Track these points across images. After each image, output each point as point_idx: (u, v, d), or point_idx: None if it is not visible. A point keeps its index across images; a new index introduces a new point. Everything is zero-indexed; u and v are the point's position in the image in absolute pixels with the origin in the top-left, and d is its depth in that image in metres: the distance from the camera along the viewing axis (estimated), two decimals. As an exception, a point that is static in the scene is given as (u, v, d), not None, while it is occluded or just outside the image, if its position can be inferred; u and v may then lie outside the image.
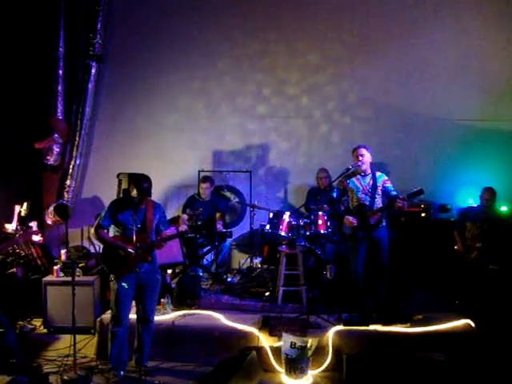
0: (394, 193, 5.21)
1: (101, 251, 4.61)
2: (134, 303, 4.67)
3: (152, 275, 4.56)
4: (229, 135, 7.36)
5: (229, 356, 4.63)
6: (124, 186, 6.41)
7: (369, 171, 5.30)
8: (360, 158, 5.21)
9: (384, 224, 5.28)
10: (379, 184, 5.25)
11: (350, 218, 5.20)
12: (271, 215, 6.25)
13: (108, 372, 4.50)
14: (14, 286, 5.62)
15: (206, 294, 5.86)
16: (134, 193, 4.44)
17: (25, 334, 5.37)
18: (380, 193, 5.25)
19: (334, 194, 5.44)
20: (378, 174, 5.31)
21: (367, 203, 5.22)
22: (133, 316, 4.68)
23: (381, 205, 5.22)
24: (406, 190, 5.05)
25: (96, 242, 6.72)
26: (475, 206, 6.09)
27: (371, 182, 5.25)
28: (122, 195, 6.16)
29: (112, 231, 4.53)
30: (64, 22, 6.88)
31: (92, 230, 4.57)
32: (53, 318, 5.43)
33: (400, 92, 7.07)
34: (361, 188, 5.27)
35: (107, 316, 4.93)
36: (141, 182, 4.45)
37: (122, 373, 4.47)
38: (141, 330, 4.58)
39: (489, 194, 5.83)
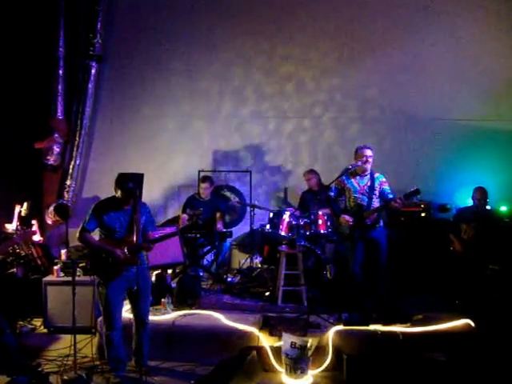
0: (390, 196, 5.20)
1: (88, 256, 4.46)
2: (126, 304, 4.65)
3: (142, 276, 4.42)
4: (229, 135, 7.36)
5: (229, 356, 4.62)
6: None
7: (368, 172, 5.30)
8: (365, 159, 5.20)
9: (381, 224, 5.29)
10: (377, 185, 5.25)
11: (346, 217, 5.22)
12: (271, 215, 6.25)
13: (108, 373, 4.48)
14: (14, 286, 5.62)
15: (206, 294, 5.87)
16: (119, 194, 4.34)
17: (25, 334, 5.36)
18: (377, 194, 5.25)
19: (332, 193, 5.45)
20: (376, 174, 5.31)
21: (364, 203, 5.22)
22: (129, 316, 4.67)
23: (378, 205, 5.22)
24: (405, 190, 5.05)
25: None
26: (469, 206, 6.08)
27: (369, 183, 5.25)
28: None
29: (97, 234, 4.41)
30: (64, 22, 6.90)
31: (76, 234, 4.35)
32: (53, 318, 5.43)
33: (400, 92, 7.08)
34: (358, 188, 5.27)
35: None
36: (125, 182, 4.32)
37: (121, 373, 4.46)
38: (138, 330, 4.54)
39: (480, 194, 5.83)
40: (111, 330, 4.40)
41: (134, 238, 4.33)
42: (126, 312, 4.79)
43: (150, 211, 4.67)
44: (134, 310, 4.53)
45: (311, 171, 6.68)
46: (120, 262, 4.29)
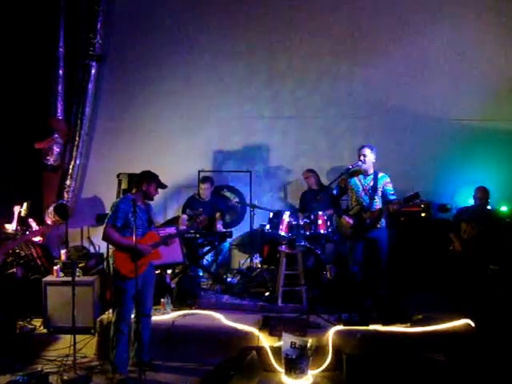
0: (392, 197, 5.21)
1: (113, 253, 4.54)
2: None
3: (151, 272, 4.66)
4: (229, 135, 7.35)
5: (229, 356, 4.63)
6: (124, 186, 6.42)
7: (371, 171, 5.30)
8: (362, 158, 5.22)
9: (383, 225, 5.30)
10: (380, 185, 5.25)
11: (347, 218, 5.24)
12: (271, 215, 6.25)
13: (112, 372, 4.46)
14: (14, 286, 5.61)
15: (206, 294, 5.87)
16: (135, 190, 4.55)
17: (25, 334, 5.36)
18: (380, 194, 5.26)
19: (334, 192, 5.46)
20: (380, 175, 5.31)
21: (366, 203, 5.23)
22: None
23: (379, 206, 5.22)
24: (405, 190, 5.06)
25: (97, 243, 6.71)
26: (469, 205, 6.08)
27: (372, 183, 5.26)
28: (122, 195, 6.15)
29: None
30: (64, 22, 6.89)
31: (103, 232, 4.43)
32: (53, 318, 5.43)
33: (400, 92, 7.07)
34: (361, 188, 5.28)
35: (107, 316, 4.94)
36: (156, 177, 4.60)
37: (124, 371, 4.46)
38: (141, 326, 4.58)
39: (482, 193, 5.82)
40: (126, 325, 4.47)
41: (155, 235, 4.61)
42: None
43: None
44: (140, 304, 4.57)
45: (309, 170, 6.69)
46: (146, 258, 4.44)
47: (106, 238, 4.46)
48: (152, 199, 4.67)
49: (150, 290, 4.68)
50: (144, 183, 4.56)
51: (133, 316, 4.62)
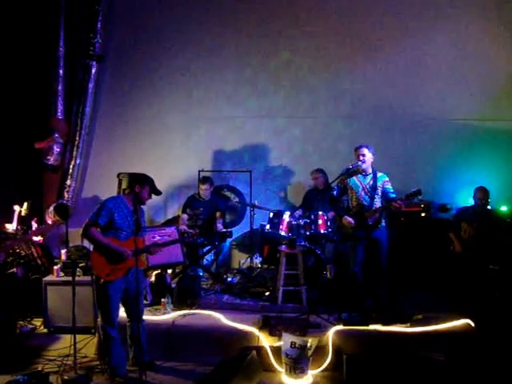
0: (393, 195, 5.20)
1: (92, 251, 4.44)
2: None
3: (138, 276, 4.41)
4: (229, 135, 7.36)
5: (229, 356, 4.63)
6: (124, 186, 6.42)
7: (370, 171, 5.30)
8: (361, 158, 5.22)
9: (383, 224, 5.30)
10: (379, 184, 5.25)
11: (348, 218, 5.23)
12: (271, 215, 6.25)
13: (110, 375, 4.43)
14: (14, 285, 5.61)
15: (206, 294, 5.88)
16: (128, 191, 4.43)
17: (25, 334, 5.36)
18: (379, 193, 5.25)
19: (334, 192, 5.45)
20: (379, 174, 5.31)
21: (366, 203, 5.23)
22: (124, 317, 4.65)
23: (379, 205, 5.22)
24: (405, 190, 5.06)
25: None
26: (470, 205, 6.09)
27: (371, 182, 5.25)
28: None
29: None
30: (64, 22, 6.90)
31: (83, 228, 4.28)
32: (53, 318, 5.43)
33: (399, 92, 7.07)
34: (361, 187, 5.28)
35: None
36: (151, 180, 4.41)
37: (123, 372, 4.45)
38: (136, 329, 4.51)
39: (482, 194, 5.82)
40: (113, 328, 4.39)
41: (141, 240, 4.41)
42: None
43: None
44: (132, 309, 4.51)
45: (319, 170, 6.62)
46: (127, 262, 4.30)
47: (85, 234, 4.29)
48: (144, 203, 4.47)
49: (140, 295, 4.47)
50: (137, 185, 4.39)
51: (127, 318, 4.59)
